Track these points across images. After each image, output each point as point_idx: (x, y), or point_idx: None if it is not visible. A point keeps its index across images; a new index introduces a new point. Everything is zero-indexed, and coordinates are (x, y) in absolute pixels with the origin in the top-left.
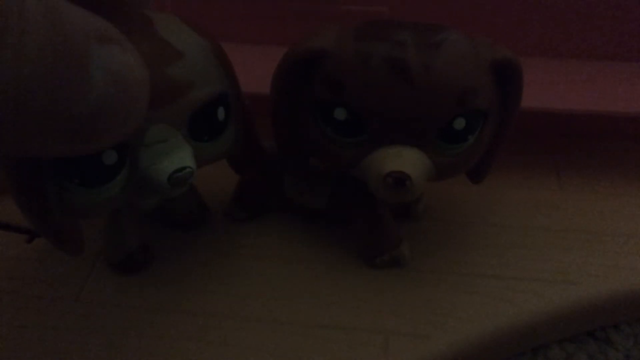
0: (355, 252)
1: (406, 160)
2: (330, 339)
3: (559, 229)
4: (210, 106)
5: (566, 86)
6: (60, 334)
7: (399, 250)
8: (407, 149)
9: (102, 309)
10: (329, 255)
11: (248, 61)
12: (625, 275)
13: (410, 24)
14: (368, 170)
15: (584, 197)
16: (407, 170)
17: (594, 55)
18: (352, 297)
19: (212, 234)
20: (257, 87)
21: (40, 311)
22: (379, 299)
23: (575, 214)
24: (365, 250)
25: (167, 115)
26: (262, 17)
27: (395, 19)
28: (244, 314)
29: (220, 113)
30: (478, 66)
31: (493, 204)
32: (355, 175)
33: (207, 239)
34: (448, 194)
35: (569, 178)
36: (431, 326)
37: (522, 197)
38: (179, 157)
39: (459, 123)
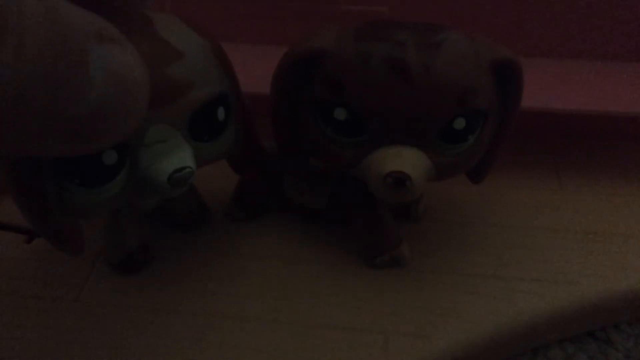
0: (355, 252)
1: (406, 160)
2: (330, 339)
3: (559, 229)
4: (210, 106)
5: (566, 86)
6: (60, 334)
7: (399, 250)
8: (407, 149)
9: (102, 309)
10: (329, 255)
11: (248, 61)
12: (625, 275)
13: (410, 24)
14: (368, 170)
15: (584, 197)
16: (407, 170)
17: (594, 55)
18: (352, 297)
19: (212, 234)
20: (257, 87)
21: (40, 311)
22: (379, 299)
23: (575, 214)
24: (365, 250)
25: (167, 115)
26: (262, 17)
27: (395, 19)
28: (244, 314)
29: (220, 113)
30: (478, 66)
31: (493, 204)
32: (355, 175)
33: (207, 239)
34: (448, 194)
35: (569, 178)
36: (431, 326)
37: (522, 197)
38: (179, 157)
39: (459, 123)
